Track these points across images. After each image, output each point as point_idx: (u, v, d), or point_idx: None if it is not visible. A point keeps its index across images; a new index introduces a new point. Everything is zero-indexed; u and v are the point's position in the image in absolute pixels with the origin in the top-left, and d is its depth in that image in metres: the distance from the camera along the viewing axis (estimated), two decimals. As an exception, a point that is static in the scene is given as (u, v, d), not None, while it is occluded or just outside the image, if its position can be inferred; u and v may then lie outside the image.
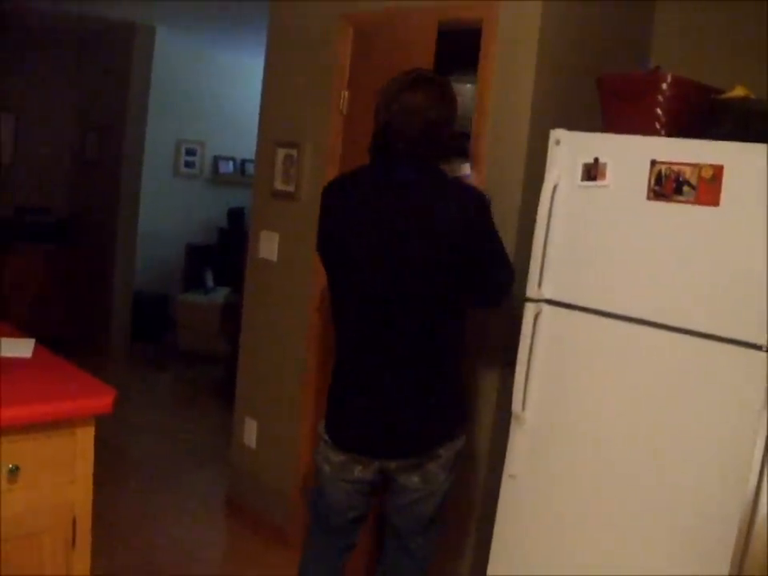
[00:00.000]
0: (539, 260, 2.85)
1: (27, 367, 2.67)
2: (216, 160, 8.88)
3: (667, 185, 2.55)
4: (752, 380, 2.38)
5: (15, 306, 7.25)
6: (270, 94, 4.46)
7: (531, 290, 2.87)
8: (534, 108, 3.18)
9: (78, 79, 8.35)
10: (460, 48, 3.42)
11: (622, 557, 2.67)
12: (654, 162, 2.58)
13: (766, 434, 2.33)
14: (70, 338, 7.10)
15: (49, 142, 8.28)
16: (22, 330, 3.11)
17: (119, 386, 2.60)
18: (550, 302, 2.86)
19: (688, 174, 2.50)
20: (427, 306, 2.59)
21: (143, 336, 8.23)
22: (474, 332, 3.31)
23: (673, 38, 3.59)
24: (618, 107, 2.94)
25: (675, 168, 2.53)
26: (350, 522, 2.89)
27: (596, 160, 2.73)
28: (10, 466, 2.28)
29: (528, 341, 2.87)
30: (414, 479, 2.70)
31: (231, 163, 8.98)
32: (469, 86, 3.63)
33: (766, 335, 2.36)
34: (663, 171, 2.56)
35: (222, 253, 8.62)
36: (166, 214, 8.44)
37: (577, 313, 2.79)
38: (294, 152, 4.19)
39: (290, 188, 4.21)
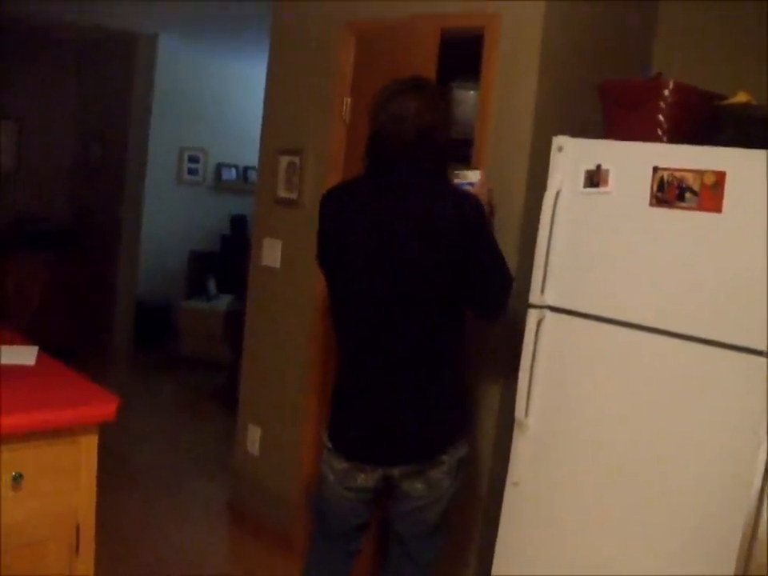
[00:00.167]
0: (542, 266, 2.85)
1: (31, 375, 2.67)
2: (219, 167, 8.88)
3: (669, 191, 2.55)
4: (754, 386, 2.38)
5: (18, 314, 7.25)
6: (272, 102, 4.46)
7: (534, 297, 2.87)
8: (537, 115, 3.18)
9: (80, 87, 8.37)
10: (462, 55, 3.43)
11: (626, 563, 2.67)
12: (656, 169, 2.58)
13: (767, 438, 2.33)
14: (73, 345, 7.10)
15: (51, 150, 8.29)
16: (25, 338, 3.11)
17: (122, 393, 2.60)
18: (552, 308, 2.86)
19: (690, 180, 2.50)
20: (426, 310, 2.59)
21: (146, 343, 8.23)
22: (477, 338, 3.31)
23: (676, 40, 3.60)
24: (620, 114, 2.94)
25: (677, 174, 2.53)
26: (354, 528, 2.89)
27: (598, 167, 2.73)
28: (14, 473, 2.28)
29: (531, 347, 2.88)
30: (418, 486, 2.70)
31: (234, 170, 8.98)
32: (471, 92, 3.63)
33: (766, 341, 2.36)
34: (665, 178, 2.56)
35: (225, 260, 8.62)
36: (168, 221, 8.44)
37: (579, 319, 2.79)
38: (297, 159, 4.20)
39: (293, 195, 4.21)
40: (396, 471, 2.70)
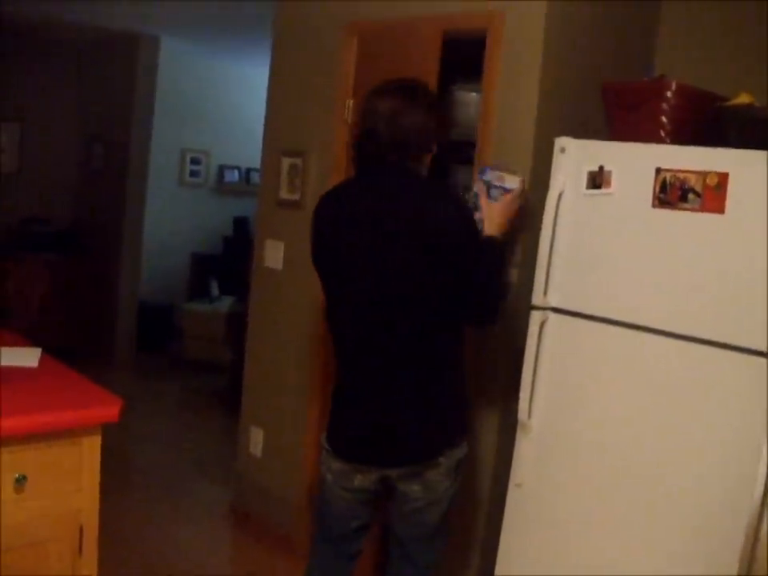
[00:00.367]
0: (545, 268, 2.85)
1: (34, 376, 2.67)
2: (221, 169, 8.89)
3: (672, 192, 2.55)
4: (757, 387, 2.37)
5: (20, 316, 7.26)
6: (274, 103, 4.47)
7: (537, 298, 2.87)
8: (539, 116, 3.18)
9: (82, 89, 8.37)
10: (465, 57, 3.43)
11: (629, 563, 2.67)
12: (659, 170, 2.58)
13: (770, 440, 2.34)
14: (75, 347, 7.09)
15: (53, 152, 8.29)
16: (27, 340, 3.11)
17: (124, 395, 2.60)
18: (555, 309, 2.86)
19: (693, 181, 2.50)
20: (418, 312, 2.58)
21: (148, 345, 8.22)
22: (481, 340, 3.32)
23: (678, 41, 3.60)
24: (622, 115, 2.94)
25: (680, 176, 2.53)
26: (353, 530, 2.89)
27: (601, 168, 2.73)
28: (17, 475, 2.29)
29: (534, 349, 2.87)
30: (415, 488, 2.69)
31: (236, 172, 8.99)
32: (474, 94, 3.64)
33: (766, 342, 2.37)
34: (668, 179, 2.56)
35: (227, 262, 8.62)
36: (171, 223, 8.44)
37: (582, 321, 2.79)
38: (299, 161, 4.20)
39: (295, 197, 4.22)
40: (393, 473, 2.70)
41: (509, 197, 2.81)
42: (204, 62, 8.41)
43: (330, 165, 3.98)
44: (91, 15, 6.84)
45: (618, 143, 2.79)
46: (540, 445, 2.91)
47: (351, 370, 2.74)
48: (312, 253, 2.79)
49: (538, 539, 2.92)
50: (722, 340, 2.46)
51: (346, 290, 2.70)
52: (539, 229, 2.87)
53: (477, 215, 2.80)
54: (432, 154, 2.73)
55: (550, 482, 2.89)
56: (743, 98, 2.75)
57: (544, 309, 2.87)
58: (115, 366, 7.77)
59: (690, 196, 2.51)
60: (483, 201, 2.82)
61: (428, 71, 3.41)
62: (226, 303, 7.90)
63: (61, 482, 2.41)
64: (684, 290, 2.55)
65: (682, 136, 2.78)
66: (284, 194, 4.31)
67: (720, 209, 2.46)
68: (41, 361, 2.83)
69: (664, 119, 2.80)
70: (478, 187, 2.88)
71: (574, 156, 2.83)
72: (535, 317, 2.87)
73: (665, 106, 2.80)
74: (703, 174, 2.48)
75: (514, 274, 3.20)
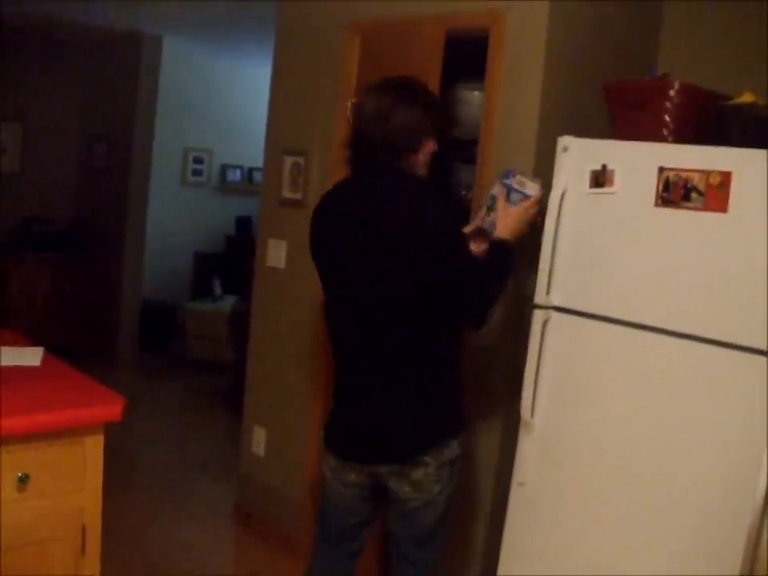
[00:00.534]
0: (547, 267, 2.85)
1: (36, 376, 2.68)
2: (223, 168, 8.90)
3: (675, 191, 2.55)
4: (760, 386, 2.37)
5: (23, 315, 7.26)
6: (277, 102, 4.47)
7: (539, 297, 2.87)
8: (542, 115, 3.18)
9: (85, 89, 8.37)
10: (468, 56, 3.43)
11: (631, 563, 2.66)
12: (661, 169, 2.58)
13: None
14: (78, 347, 7.10)
15: (56, 151, 8.30)
16: (29, 339, 3.12)
17: (127, 394, 2.60)
18: (558, 308, 2.86)
19: (696, 180, 2.50)
20: (403, 314, 2.59)
21: (151, 344, 8.23)
22: (483, 338, 3.32)
23: (681, 40, 3.59)
24: (625, 114, 2.94)
25: (683, 175, 2.53)
26: (353, 526, 2.91)
27: (604, 167, 2.73)
28: (20, 474, 2.29)
29: (536, 348, 2.87)
30: (406, 488, 2.68)
31: (239, 171, 9.00)
32: (476, 93, 3.64)
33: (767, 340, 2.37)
34: (671, 178, 2.55)
35: (230, 261, 8.63)
36: (173, 222, 8.46)
37: (585, 320, 2.79)
38: (302, 160, 4.20)
39: (298, 196, 4.22)
40: (381, 469, 2.70)
41: (528, 202, 2.79)
42: (207, 62, 8.43)
43: (332, 164, 3.98)
44: (93, 15, 6.85)
45: (621, 142, 2.79)
46: (542, 443, 2.91)
47: (344, 369, 2.78)
48: (311, 253, 2.80)
49: (540, 538, 2.92)
50: (725, 339, 2.45)
51: (338, 291, 2.74)
52: (542, 228, 2.87)
53: (491, 216, 2.81)
54: (432, 151, 2.72)
55: (552, 480, 2.89)
56: (746, 97, 2.75)
57: (546, 308, 2.86)
58: (118, 365, 7.78)
59: (693, 195, 2.51)
60: (502, 203, 2.79)
61: (431, 70, 3.41)
62: (228, 302, 7.90)
63: (63, 481, 2.41)
64: (687, 289, 2.54)
65: (685, 135, 2.78)
66: (286, 193, 4.31)
67: (723, 208, 2.46)
68: (43, 360, 2.84)
69: (667, 118, 2.80)
70: (498, 190, 2.84)
71: (576, 155, 2.82)
72: (538, 316, 2.87)
73: (668, 104, 2.79)
74: (706, 173, 2.48)
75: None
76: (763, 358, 2.37)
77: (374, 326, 2.63)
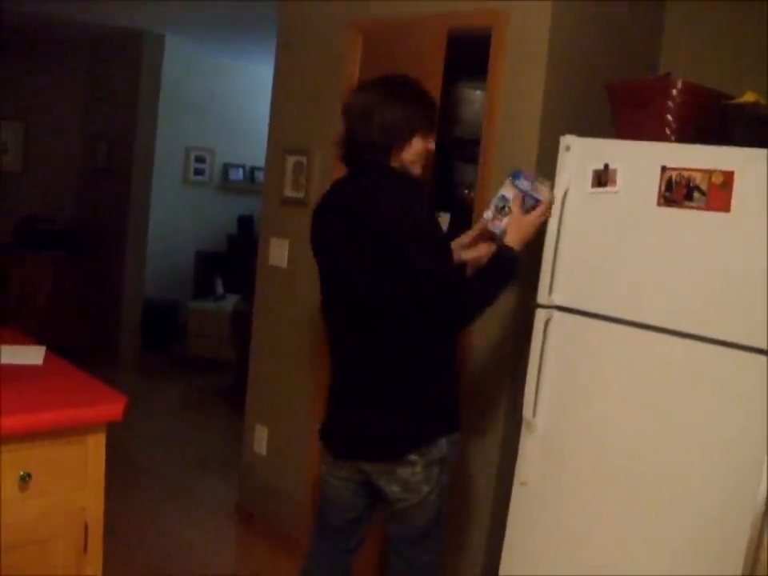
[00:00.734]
0: (549, 266, 2.85)
1: (38, 374, 2.68)
2: (226, 167, 8.90)
3: (678, 191, 2.55)
4: (761, 385, 2.37)
5: (25, 314, 7.27)
6: (279, 101, 4.47)
7: (542, 297, 2.87)
8: (544, 114, 3.18)
9: (86, 87, 8.38)
10: (470, 54, 3.43)
11: (633, 563, 2.66)
12: (664, 168, 2.58)
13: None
14: (80, 346, 7.12)
15: (57, 150, 8.30)
16: (31, 338, 3.12)
17: (129, 393, 2.60)
18: (560, 308, 2.86)
19: (698, 179, 2.49)
20: (383, 311, 2.60)
21: (153, 343, 8.23)
22: (485, 337, 3.32)
23: (683, 40, 3.59)
24: (628, 113, 2.94)
25: (686, 174, 2.52)
26: (349, 522, 2.92)
27: (606, 166, 2.73)
28: (22, 472, 2.29)
29: (539, 347, 2.87)
30: (395, 488, 2.68)
31: (241, 170, 9.00)
32: (478, 92, 3.64)
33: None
34: (674, 177, 2.55)
35: (232, 260, 8.63)
36: (175, 221, 8.46)
37: (587, 319, 2.79)
38: (304, 159, 4.20)
39: (300, 195, 4.22)
40: (367, 467, 2.72)
41: (541, 209, 2.75)
42: (208, 61, 8.43)
43: (334, 163, 3.97)
44: (95, 14, 6.85)
45: (624, 141, 2.78)
46: (544, 443, 2.91)
47: (336, 367, 2.83)
48: (312, 251, 2.84)
49: (542, 538, 2.92)
50: (727, 339, 2.45)
51: (332, 289, 2.78)
52: (544, 227, 2.86)
53: (502, 222, 2.74)
54: (423, 148, 2.71)
55: (554, 480, 2.89)
56: (749, 96, 2.74)
57: (549, 307, 2.86)
58: (119, 364, 7.78)
59: (696, 194, 2.50)
60: (517, 211, 2.73)
61: (433, 70, 3.41)
62: (230, 301, 7.91)
63: (65, 480, 2.41)
64: (689, 288, 2.54)
65: (688, 134, 2.77)
66: (288, 192, 4.31)
67: (725, 207, 2.45)
68: (45, 359, 2.84)
69: (669, 117, 2.79)
70: (512, 194, 2.76)
71: (579, 154, 2.82)
72: (540, 315, 2.87)
73: (670, 103, 2.79)
74: (709, 173, 2.48)
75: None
76: (764, 357, 2.37)
77: (364, 324, 2.65)
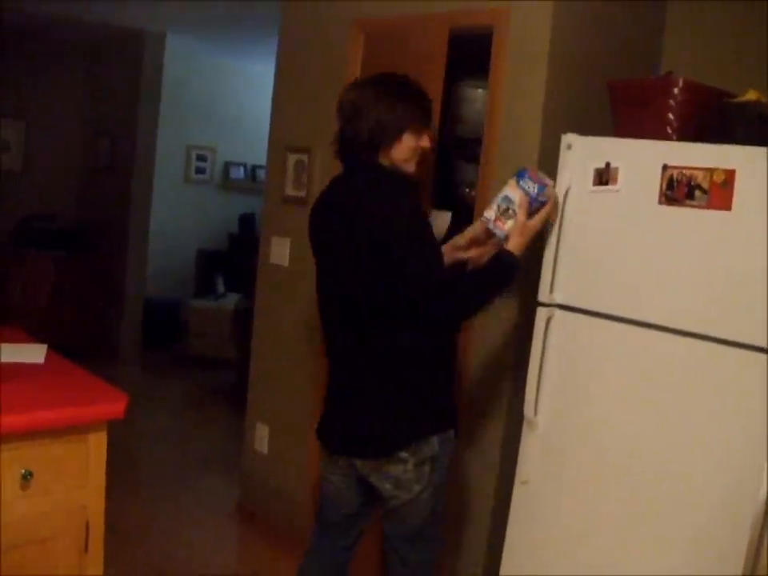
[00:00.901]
0: (551, 265, 2.85)
1: (40, 373, 2.68)
2: (227, 166, 8.91)
3: (679, 189, 2.54)
4: (761, 383, 2.37)
5: (26, 314, 7.27)
6: (280, 100, 4.47)
7: (543, 295, 2.87)
8: (545, 113, 3.18)
9: (88, 86, 8.38)
10: (472, 53, 3.43)
11: (634, 561, 2.66)
12: (665, 167, 2.57)
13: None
14: (81, 344, 7.12)
15: (59, 149, 8.31)
16: (33, 337, 3.12)
17: (130, 391, 2.60)
18: (561, 306, 2.86)
19: (700, 178, 2.49)
20: (371, 309, 2.62)
21: (154, 342, 8.24)
22: (486, 336, 3.32)
23: (684, 40, 3.59)
24: (629, 112, 2.93)
25: (687, 172, 2.52)
26: (345, 519, 2.94)
27: (608, 164, 2.73)
28: (23, 471, 2.29)
29: (540, 345, 2.87)
30: (387, 486, 2.69)
31: (242, 169, 9.00)
32: (480, 91, 3.63)
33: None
34: (675, 176, 2.55)
35: (233, 258, 8.63)
36: (176, 219, 8.46)
37: (588, 317, 2.79)
38: (305, 157, 4.20)
39: (301, 193, 4.22)
40: (358, 463, 2.73)
41: (545, 212, 2.72)
42: (210, 59, 8.43)
43: (335, 161, 3.97)
44: (96, 13, 6.85)
45: (625, 140, 2.78)
46: (545, 442, 2.91)
47: (332, 364, 2.85)
48: (311, 249, 2.87)
49: (543, 537, 2.92)
50: (728, 337, 2.45)
51: (323, 287, 2.81)
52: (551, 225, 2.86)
53: (506, 225, 2.68)
54: (415, 146, 2.71)
55: (555, 479, 2.89)
56: (751, 95, 2.74)
57: (550, 305, 2.86)
58: (120, 362, 7.79)
59: (697, 193, 2.50)
60: (523, 217, 2.66)
61: (434, 68, 3.41)
62: (231, 300, 7.91)
63: (67, 479, 2.41)
64: (690, 287, 2.54)
65: (689, 133, 2.77)
66: (290, 191, 4.31)
67: (727, 206, 2.45)
68: (46, 357, 2.84)
69: (671, 116, 2.79)
70: (519, 197, 2.68)
71: (580, 153, 2.82)
72: (541, 313, 2.87)
73: (672, 102, 2.78)
74: (710, 171, 2.47)
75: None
76: (764, 356, 2.37)
77: (358, 323, 2.67)
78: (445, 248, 2.91)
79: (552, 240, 2.84)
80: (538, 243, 2.87)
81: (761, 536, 2.36)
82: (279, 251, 4.39)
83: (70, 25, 7.43)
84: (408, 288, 2.51)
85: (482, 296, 2.62)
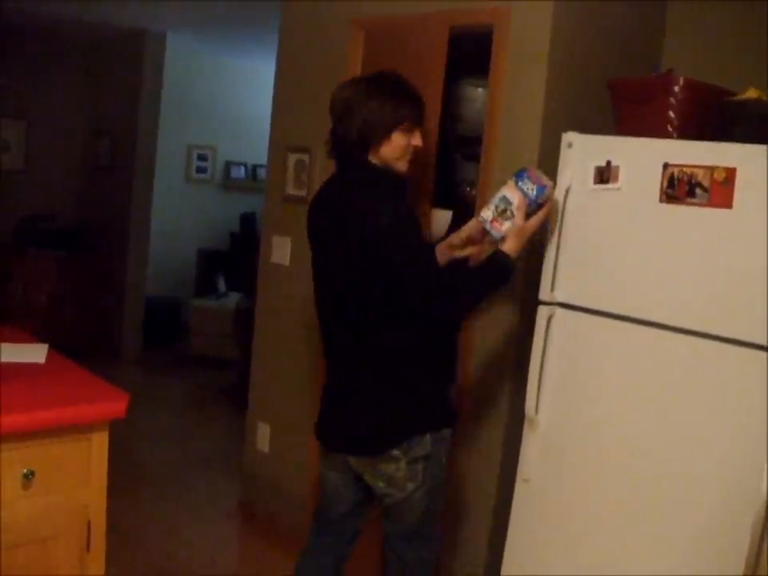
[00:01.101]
0: (552, 263, 2.85)
1: (41, 372, 2.68)
2: (228, 165, 8.90)
3: (680, 187, 2.54)
4: (761, 381, 2.37)
5: (27, 313, 7.26)
6: (281, 99, 4.47)
7: (544, 293, 2.87)
8: (546, 112, 3.18)
9: (89, 86, 8.37)
10: (472, 52, 3.43)
11: (635, 559, 2.66)
12: (666, 165, 2.57)
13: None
14: (83, 344, 7.11)
15: (59, 149, 8.30)
16: (34, 336, 3.12)
17: (131, 391, 2.60)
18: (562, 305, 2.86)
19: (701, 176, 2.49)
20: (364, 309, 2.63)
21: (155, 341, 8.23)
22: (487, 335, 3.32)
23: (686, 40, 3.59)
24: (630, 110, 2.93)
25: (688, 171, 2.52)
26: (342, 515, 2.95)
27: (608, 163, 2.72)
28: (25, 470, 2.29)
29: (541, 344, 2.87)
30: (380, 484, 2.71)
31: (243, 168, 9.00)
32: (480, 90, 3.63)
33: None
34: (676, 174, 2.55)
35: (234, 258, 8.63)
36: (177, 219, 8.46)
37: (589, 316, 2.79)
38: (306, 157, 4.20)
39: (302, 193, 4.22)
40: (352, 460, 2.75)
41: (543, 214, 2.70)
42: (210, 59, 8.43)
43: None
44: (97, 12, 6.85)
45: (626, 138, 2.78)
46: (547, 440, 2.91)
47: (327, 363, 2.88)
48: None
49: (544, 535, 2.92)
50: (728, 335, 2.45)
51: (319, 287, 2.83)
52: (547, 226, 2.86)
53: (503, 226, 2.66)
54: (407, 144, 2.71)
55: (556, 477, 2.89)
56: (751, 93, 2.74)
57: (551, 304, 2.86)
58: (122, 362, 7.79)
59: (698, 191, 2.50)
60: (520, 219, 2.64)
61: (435, 67, 3.41)
62: (232, 299, 7.90)
63: (68, 478, 2.41)
64: (691, 285, 2.54)
65: (690, 131, 2.77)
66: (290, 190, 4.31)
67: (728, 204, 2.45)
68: (47, 357, 2.84)
69: (671, 114, 2.79)
70: (517, 198, 2.66)
71: (581, 151, 2.82)
72: (542, 312, 2.87)
73: (672, 100, 2.79)
74: (711, 169, 2.47)
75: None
76: (764, 354, 2.37)
77: (352, 322, 2.68)
78: (440, 247, 2.91)
79: (553, 238, 2.84)
80: (536, 244, 2.87)
81: (762, 535, 2.36)
82: (280, 250, 4.39)
83: (70, 25, 7.42)
84: (397, 287, 2.52)
85: (473, 296, 2.62)
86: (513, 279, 2.67)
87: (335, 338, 2.79)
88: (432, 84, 3.40)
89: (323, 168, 4.07)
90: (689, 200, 2.53)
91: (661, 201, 2.60)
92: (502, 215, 2.67)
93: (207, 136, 8.63)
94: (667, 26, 3.65)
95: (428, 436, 2.68)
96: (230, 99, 8.65)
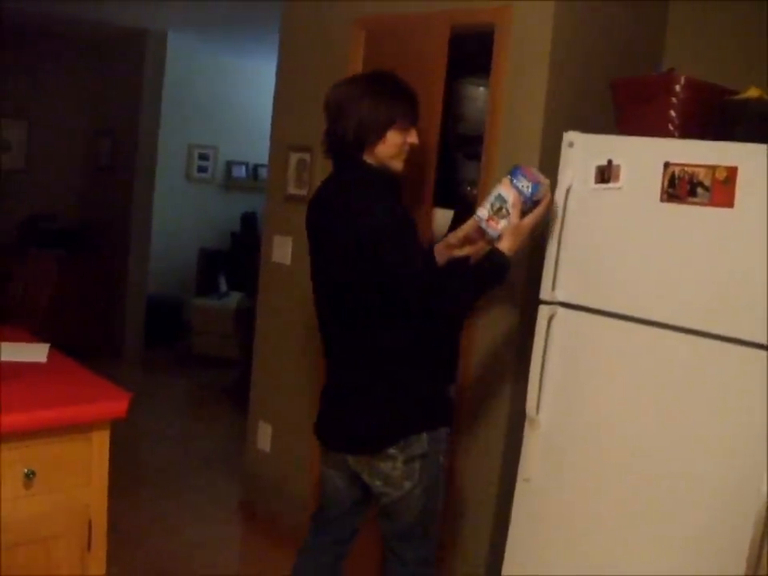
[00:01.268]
0: (553, 262, 2.85)
1: (42, 372, 2.68)
2: (229, 165, 8.91)
3: (681, 187, 2.54)
4: (764, 381, 2.37)
5: (28, 313, 7.26)
6: (282, 99, 4.46)
7: (545, 293, 2.86)
8: (547, 111, 3.18)
9: (90, 86, 8.37)
10: (473, 51, 3.43)
11: (636, 559, 2.66)
12: (667, 164, 2.57)
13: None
14: (84, 343, 7.11)
15: (61, 149, 8.30)
16: (35, 336, 3.12)
17: (133, 390, 2.60)
18: (563, 304, 2.86)
19: (702, 175, 2.49)
20: (360, 308, 2.63)
21: (157, 341, 8.24)
22: (488, 334, 3.31)
23: (686, 40, 3.59)
24: (631, 109, 2.93)
25: (689, 170, 2.52)
26: (341, 513, 2.96)
27: (609, 162, 2.72)
28: (26, 470, 2.29)
29: (542, 343, 2.87)
30: (377, 482, 2.71)
31: (244, 168, 9.00)
32: (482, 89, 3.63)
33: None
34: (677, 173, 2.55)
35: (235, 257, 8.63)
36: (178, 218, 8.47)
37: (590, 315, 2.79)
38: (307, 156, 4.20)
39: (303, 192, 4.21)
40: (350, 459, 2.76)
41: (539, 212, 2.68)
42: (211, 58, 8.43)
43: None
44: (98, 12, 6.85)
45: (627, 137, 2.78)
46: (548, 440, 2.91)
47: (326, 362, 2.88)
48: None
49: (545, 535, 2.92)
50: (731, 335, 2.45)
51: (317, 286, 2.85)
52: (547, 223, 2.86)
53: (499, 224, 2.65)
54: (402, 143, 2.71)
55: (557, 476, 2.89)
56: (753, 92, 2.73)
57: (552, 303, 2.86)
58: (123, 361, 7.79)
59: (699, 190, 2.50)
60: (515, 218, 2.62)
61: (436, 67, 3.41)
62: (234, 299, 7.91)
63: (69, 478, 2.42)
64: (692, 284, 2.54)
65: (691, 130, 2.77)
66: (292, 190, 4.31)
67: (729, 203, 2.45)
68: (49, 356, 2.84)
69: (673, 113, 2.79)
70: (513, 196, 2.65)
71: (582, 150, 2.81)
72: (543, 311, 2.86)
73: (674, 99, 2.78)
74: (712, 168, 2.47)
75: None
76: (764, 353, 2.37)
77: (349, 322, 2.69)
78: (438, 246, 2.91)
79: (554, 238, 2.84)
80: (536, 241, 2.87)
81: (763, 534, 2.36)
82: (281, 250, 4.39)
83: (71, 24, 7.42)
84: (392, 287, 2.52)
85: (468, 295, 2.62)
86: (508, 278, 2.66)
87: (333, 338, 2.80)
88: (433, 83, 3.40)
89: (324, 167, 4.06)
90: (690, 199, 2.53)
91: (662, 200, 2.60)
92: (497, 213, 2.67)
93: (208, 136, 8.64)
94: (669, 25, 3.65)
95: (424, 435, 2.67)
96: (231, 99, 8.65)
